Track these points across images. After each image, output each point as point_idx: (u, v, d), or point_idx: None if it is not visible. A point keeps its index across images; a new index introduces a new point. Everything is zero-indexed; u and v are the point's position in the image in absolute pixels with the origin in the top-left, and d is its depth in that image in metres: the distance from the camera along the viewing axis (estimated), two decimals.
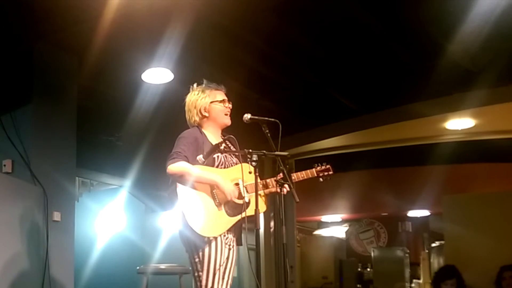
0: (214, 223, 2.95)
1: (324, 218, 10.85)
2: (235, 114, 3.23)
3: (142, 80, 5.06)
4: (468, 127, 6.22)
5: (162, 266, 4.71)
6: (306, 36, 4.54)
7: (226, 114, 3.22)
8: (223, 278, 2.97)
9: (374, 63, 5.02)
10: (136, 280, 4.93)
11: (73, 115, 4.65)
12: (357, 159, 7.58)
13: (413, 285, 9.25)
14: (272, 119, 2.97)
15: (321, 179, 3.23)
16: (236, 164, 3.10)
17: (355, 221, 11.25)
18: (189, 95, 3.26)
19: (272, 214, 6.65)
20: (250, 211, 2.95)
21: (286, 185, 2.99)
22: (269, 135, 2.94)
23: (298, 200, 2.85)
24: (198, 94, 3.22)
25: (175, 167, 2.94)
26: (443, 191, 8.01)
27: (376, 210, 10.11)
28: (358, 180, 8.95)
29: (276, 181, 3.00)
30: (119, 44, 4.39)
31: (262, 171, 2.95)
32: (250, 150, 2.92)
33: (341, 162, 7.22)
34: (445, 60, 4.75)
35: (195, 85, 3.28)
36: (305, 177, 3.20)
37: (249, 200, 2.99)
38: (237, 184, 3.04)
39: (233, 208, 3.01)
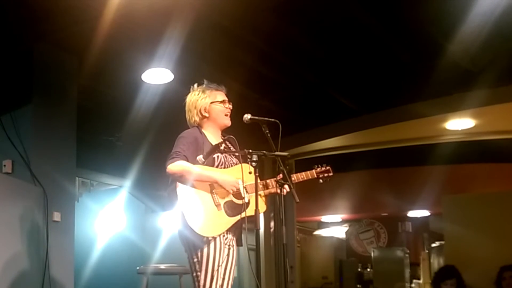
0: (213, 223, 2.95)
1: (324, 218, 10.85)
2: (235, 114, 3.23)
3: (142, 80, 5.06)
4: (468, 127, 6.22)
5: (162, 266, 4.71)
6: (306, 36, 4.54)
7: (226, 115, 3.22)
8: (223, 279, 2.96)
9: (374, 63, 5.02)
10: (136, 280, 4.93)
11: (73, 115, 4.65)
12: (357, 159, 7.58)
13: (413, 285, 9.25)
14: (272, 119, 2.97)
15: (321, 181, 3.23)
16: (236, 164, 3.10)
17: (355, 221, 11.25)
18: (189, 95, 3.26)
19: (272, 214, 6.65)
20: (250, 211, 2.95)
21: (286, 186, 2.99)
22: (269, 135, 2.93)
23: (298, 200, 2.85)
24: (198, 94, 3.22)
25: (175, 166, 2.94)
26: (443, 191, 8.01)
27: (376, 210, 10.11)
28: (358, 180, 8.95)
29: (276, 181, 2.99)
30: (119, 44, 4.39)
31: (262, 172, 2.95)
32: (250, 151, 2.92)
33: (341, 162, 7.23)
34: (445, 60, 4.75)
35: (195, 85, 3.28)
36: (305, 178, 3.20)
37: (249, 200, 2.99)
38: (238, 177, 3.04)
39: (233, 208, 3.01)
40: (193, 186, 2.95)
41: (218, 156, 3.08)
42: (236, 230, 3.09)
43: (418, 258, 9.50)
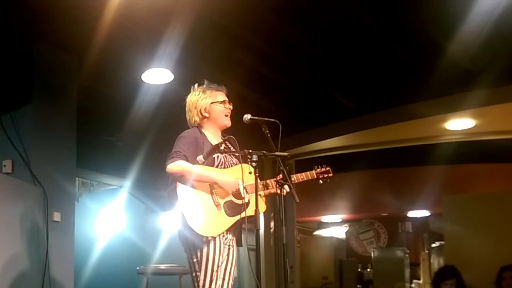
0: (213, 222, 2.95)
1: (324, 218, 10.85)
2: (235, 114, 3.23)
3: (142, 80, 5.06)
4: (468, 127, 6.22)
5: (162, 266, 4.71)
6: (306, 36, 4.54)
7: (226, 115, 3.22)
8: (223, 279, 2.96)
9: (374, 63, 5.02)
10: (136, 280, 4.93)
11: (73, 115, 4.65)
12: (357, 159, 7.58)
13: (413, 285, 9.25)
14: (272, 120, 2.97)
15: (320, 181, 3.23)
16: (236, 164, 3.10)
17: (355, 222, 11.25)
18: (189, 95, 3.26)
19: (272, 214, 6.65)
20: (250, 212, 2.95)
21: (286, 186, 2.99)
22: (269, 135, 2.93)
23: (298, 200, 2.85)
24: (198, 94, 3.22)
25: (175, 166, 2.94)
26: (443, 191, 8.01)
27: (376, 210, 10.11)
28: (358, 180, 8.95)
29: (276, 181, 2.99)
30: (119, 44, 4.39)
31: (262, 172, 2.95)
32: (250, 151, 2.92)
33: (341, 163, 7.23)
34: (445, 60, 4.75)
35: (196, 85, 3.28)
36: (305, 179, 3.21)
37: (249, 200, 2.99)
38: (237, 178, 3.03)
39: (233, 208, 3.01)
40: (193, 186, 2.95)
41: (218, 156, 3.08)
42: (236, 230, 3.09)
43: (418, 258, 9.50)
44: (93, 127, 5.93)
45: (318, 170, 3.23)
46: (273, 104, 5.77)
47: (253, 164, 2.86)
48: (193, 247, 2.97)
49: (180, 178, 2.94)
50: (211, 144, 3.08)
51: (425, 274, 8.75)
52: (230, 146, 3.16)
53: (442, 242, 7.75)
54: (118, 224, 7.94)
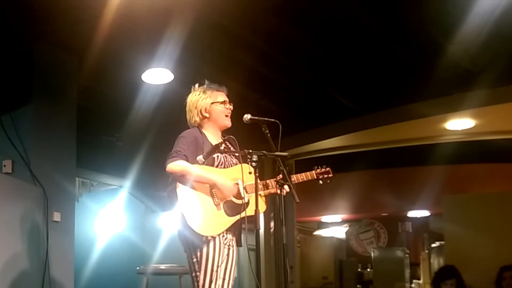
0: (213, 222, 2.95)
1: (324, 218, 10.85)
2: (235, 114, 3.23)
3: (142, 80, 5.06)
4: (468, 127, 6.22)
5: (162, 266, 4.72)
6: (306, 36, 4.54)
7: (226, 116, 3.22)
8: (223, 279, 2.96)
9: (374, 63, 5.02)
10: (136, 280, 4.94)
11: (73, 115, 4.65)
12: (357, 159, 7.58)
13: (413, 285, 9.25)
14: (272, 120, 2.97)
15: (320, 182, 3.24)
16: (236, 164, 3.10)
17: (355, 222, 11.25)
18: (190, 95, 3.26)
19: (272, 214, 6.65)
20: (250, 211, 2.95)
21: (286, 186, 2.99)
22: (269, 135, 2.93)
23: (298, 200, 2.85)
24: (199, 94, 3.22)
25: (175, 165, 2.94)
26: (443, 191, 8.01)
27: (376, 210, 10.10)
28: (358, 180, 8.95)
29: (276, 181, 2.99)
30: (119, 44, 4.39)
31: (262, 172, 2.95)
32: (250, 151, 2.92)
33: (341, 163, 7.23)
34: (445, 60, 4.75)
35: (196, 85, 3.28)
36: (305, 179, 3.21)
37: (249, 200, 2.99)
38: (236, 184, 3.04)
39: (232, 208, 3.01)
40: (192, 186, 2.95)
41: (218, 156, 3.08)
42: (236, 230, 3.09)
43: (418, 258, 9.50)
44: (93, 127, 5.93)
45: (318, 170, 3.23)
46: (273, 104, 5.77)
47: (253, 164, 2.86)
48: (192, 247, 2.97)
49: (180, 177, 2.94)
50: (211, 144, 3.08)
51: (425, 274, 8.75)
52: (230, 146, 3.16)
53: (442, 242, 7.74)
54: (118, 224, 7.94)
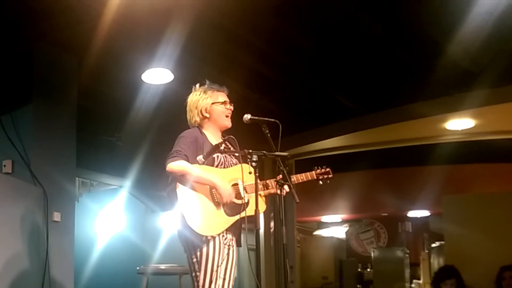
0: (212, 222, 2.95)
1: (324, 218, 10.85)
2: (235, 115, 3.23)
3: (142, 80, 5.06)
4: (468, 127, 6.22)
5: (162, 266, 4.71)
6: (306, 36, 4.54)
7: (227, 116, 3.22)
8: (223, 279, 2.96)
9: (374, 63, 5.02)
10: (136, 280, 4.93)
11: (73, 115, 4.65)
12: (357, 159, 7.58)
13: (413, 285, 9.25)
14: (272, 119, 2.97)
15: (320, 182, 3.24)
16: (236, 164, 3.10)
17: (355, 222, 11.26)
18: (191, 95, 3.26)
19: (272, 214, 6.65)
20: (249, 211, 2.95)
21: (286, 186, 2.99)
22: (269, 135, 2.93)
23: (298, 200, 2.85)
24: (200, 94, 3.22)
25: (175, 165, 2.94)
26: (443, 191, 8.01)
27: (376, 210, 10.11)
28: (358, 180, 8.95)
29: (276, 181, 2.99)
30: (119, 44, 4.39)
31: (262, 172, 2.95)
32: (250, 151, 2.92)
33: (342, 162, 7.23)
34: (445, 60, 4.75)
35: (197, 85, 3.28)
36: (305, 179, 3.21)
37: (248, 200, 2.99)
38: (236, 184, 3.04)
39: (232, 208, 3.01)
40: (192, 185, 2.95)
41: (218, 156, 3.08)
42: (236, 230, 3.09)
43: (418, 258, 9.50)
44: (93, 127, 5.93)
45: (318, 171, 3.24)
46: (273, 104, 5.77)
47: (253, 164, 2.86)
48: (192, 246, 2.97)
49: (180, 177, 2.95)
50: (211, 144, 3.08)
51: (425, 274, 8.75)
52: (230, 146, 3.16)
53: (442, 242, 7.74)
54: (118, 224, 7.94)
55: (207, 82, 3.27)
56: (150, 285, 4.61)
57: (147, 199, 7.78)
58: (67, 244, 4.40)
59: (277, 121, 2.94)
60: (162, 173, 3.02)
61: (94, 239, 7.74)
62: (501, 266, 5.93)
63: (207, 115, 3.19)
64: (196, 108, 3.20)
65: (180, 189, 2.94)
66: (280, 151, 2.92)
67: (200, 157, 2.96)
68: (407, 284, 9.26)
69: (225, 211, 2.99)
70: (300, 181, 3.19)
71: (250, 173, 2.91)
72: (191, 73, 4.64)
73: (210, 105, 3.19)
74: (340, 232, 11.24)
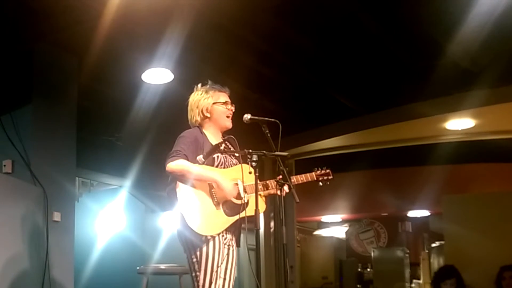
0: (212, 222, 2.95)
1: (324, 218, 10.85)
2: (235, 115, 3.23)
3: (142, 80, 5.06)
4: (468, 127, 6.22)
5: (162, 266, 4.71)
6: (306, 36, 4.54)
7: (228, 116, 3.22)
8: (223, 279, 2.96)
9: (374, 63, 5.02)
10: (136, 280, 4.93)
11: (73, 115, 4.65)
12: (357, 159, 7.58)
13: (413, 285, 9.25)
14: (272, 119, 2.97)
15: (320, 183, 3.24)
16: (236, 164, 3.10)
17: (355, 221, 11.25)
18: (192, 94, 3.26)
19: (272, 214, 6.65)
20: (249, 211, 2.95)
21: (285, 186, 2.99)
22: (269, 135, 2.93)
23: (298, 200, 2.85)
24: (201, 94, 3.22)
25: (175, 165, 2.94)
26: (443, 191, 8.01)
27: (376, 210, 10.11)
28: (358, 180, 8.95)
29: (276, 181, 2.99)
30: (119, 44, 4.39)
31: (262, 172, 2.95)
32: (250, 151, 2.92)
33: (341, 162, 7.23)
34: (445, 60, 4.75)
35: (199, 85, 3.28)
36: (305, 181, 3.21)
37: (248, 200, 2.99)
38: (236, 184, 3.04)
39: (232, 208, 3.01)
40: (192, 185, 2.96)
41: (218, 156, 3.08)
42: (235, 230, 3.09)
43: (418, 258, 9.50)
44: (93, 127, 5.93)
45: (318, 172, 3.24)
46: (273, 104, 5.77)
47: (253, 164, 2.86)
48: (192, 246, 2.97)
49: (180, 177, 2.95)
50: (211, 144, 3.08)
51: (425, 274, 8.75)
52: (230, 146, 3.16)
53: (442, 242, 7.74)
54: (118, 224, 7.93)
55: (209, 82, 3.28)
56: (150, 285, 4.61)
57: (147, 199, 7.78)
58: (67, 244, 4.40)
59: (277, 121, 2.94)
60: (162, 173, 3.02)
61: (94, 239, 7.74)
62: (501, 266, 5.93)
63: (208, 115, 3.19)
64: (197, 107, 3.21)
65: (180, 189, 2.94)
66: (280, 151, 2.92)
67: (200, 157, 2.96)
68: (407, 284, 9.26)
69: (224, 211, 2.99)
70: (300, 182, 3.19)
71: (250, 173, 2.91)
72: (191, 73, 4.64)
73: (211, 105, 3.19)
74: (340, 232, 11.23)
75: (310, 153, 6.99)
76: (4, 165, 4.24)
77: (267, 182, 3.09)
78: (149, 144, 6.20)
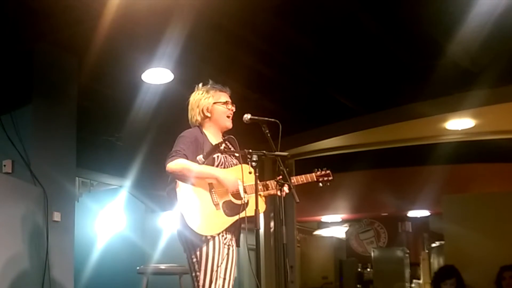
0: (212, 222, 2.95)
1: (324, 218, 10.85)
2: (235, 114, 3.23)
3: (142, 80, 5.06)
4: (468, 127, 6.22)
5: (162, 266, 4.71)
6: (306, 36, 4.54)
7: (228, 116, 3.22)
8: (223, 279, 2.96)
9: (374, 63, 5.02)
10: (136, 280, 4.93)
11: (73, 115, 4.65)
12: (357, 159, 7.58)
13: (413, 285, 9.25)
14: (272, 119, 2.97)
15: (320, 184, 3.25)
16: (236, 164, 3.10)
17: (355, 221, 11.25)
18: (193, 94, 3.26)
19: (272, 214, 6.65)
20: (250, 212, 2.95)
21: (285, 187, 2.99)
22: (269, 135, 2.94)
23: (298, 200, 2.85)
24: (202, 94, 3.22)
25: (174, 164, 2.94)
26: (443, 191, 8.01)
27: (376, 210, 10.11)
28: (358, 180, 8.95)
29: (277, 181, 3.00)
30: (119, 44, 4.39)
31: (262, 172, 2.95)
32: (250, 150, 2.92)
33: (341, 162, 7.23)
34: (445, 60, 4.75)
35: (200, 84, 3.28)
36: (305, 181, 3.22)
37: (248, 201, 2.99)
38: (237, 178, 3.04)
39: (231, 208, 3.01)
40: (192, 185, 2.95)
41: (218, 156, 3.08)
42: (235, 230, 3.09)
43: (418, 258, 9.50)
44: (93, 127, 5.93)
45: (318, 173, 3.24)
46: (273, 104, 5.77)
47: (253, 164, 2.86)
48: (192, 246, 2.97)
49: (180, 176, 2.95)
50: (212, 144, 3.08)
51: (425, 274, 8.75)
52: (230, 146, 3.17)
53: (442, 242, 7.74)
54: (118, 224, 7.93)
55: (210, 81, 3.28)
56: (150, 285, 4.62)
57: (147, 199, 7.78)
58: (67, 244, 4.40)
59: (277, 121, 2.94)
60: (162, 173, 3.02)
61: (94, 239, 7.74)
62: (501, 266, 5.93)
63: (208, 115, 3.19)
64: (197, 107, 3.21)
65: (180, 188, 2.94)
66: (280, 151, 2.92)
67: (200, 157, 2.96)
68: (407, 284, 9.26)
69: (224, 211, 2.99)
70: (300, 182, 3.19)
71: (250, 173, 2.91)
72: (191, 73, 4.64)
73: (212, 104, 3.19)
74: (340, 232, 11.23)
75: (310, 153, 6.99)
76: (4, 165, 4.24)
77: (267, 182, 3.09)
78: (149, 144, 6.20)
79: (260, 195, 2.94)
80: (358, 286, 9.93)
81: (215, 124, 3.21)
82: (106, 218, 8.00)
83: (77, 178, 6.80)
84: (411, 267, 9.58)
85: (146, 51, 4.53)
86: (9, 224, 3.92)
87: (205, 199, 2.97)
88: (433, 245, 8.70)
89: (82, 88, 4.79)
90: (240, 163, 3.01)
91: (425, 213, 9.98)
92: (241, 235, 3.14)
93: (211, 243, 2.94)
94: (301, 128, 6.45)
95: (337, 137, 6.57)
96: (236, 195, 3.03)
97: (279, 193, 2.97)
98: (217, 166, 3.07)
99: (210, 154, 3.00)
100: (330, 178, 3.25)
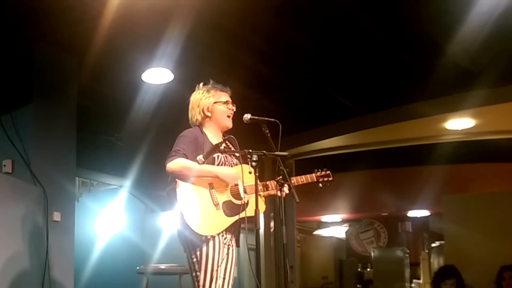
0: (211, 222, 2.95)
1: (324, 218, 10.85)
2: (236, 114, 3.24)
3: (142, 80, 5.06)
4: (468, 127, 6.22)
5: (162, 266, 4.72)
6: (306, 36, 4.54)
7: (228, 116, 3.22)
8: (223, 278, 2.96)
9: (374, 63, 5.02)
10: (136, 280, 4.93)
11: (73, 115, 4.65)
12: (357, 159, 7.58)
13: (413, 285, 9.25)
14: (272, 119, 2.97)
15: (320, 185, 3.25)
16: (236, 164, 3.11)
17: (355, 221, 11.26)
18: (194, 93, 3.26)
19: (272, 214, 6.65)
20: (249, 212, 2.95)
21: (285, 186, 2.99)
22: (269, 135, 2.94)
23: (298, 200, 2.85)
24: (202, 93, 3.22)
25: (174, 164, 2.94)
26: (443, 191, 8.01)
27: (376, 210, 10.11)
28: (358, 180, 8.95)
29: (277, 181, 3.00)
30: (119, 44, 4.39)
31: (262, 172, 2.95)
32: (250, 150, 2.92)
33: (341, 162, 7.23)
34: (445, 60, 4.75)
35: (201, 84, 3.28)
36: (305, 182, 3.22)
37: (248, 200, 2.99)
38: (236, 185, 3.04)
39: (231, 208, 3.01)
40: (192, 185, 2.95)
41: (218, 156, 3.08)
42: (235, 230, 3.09)
43: (418, 258, 9.50)
44: (93, 127, 5.93)
45: (318, 173, 3.24)
46: (273, 104, 5.77)
47: (253, 164, 2.86)
48: (192, 246, 2.97)
49: (180, 176, 2.95)
50: (212, 144, 3.09)
51: (425, 274, 8.75)
52: (230, 145, 3.17)
53: (442, 242, 7.74)
54: (118, 224, 7.94)
55: (211, 81, 3.28)
56: (150, 285, 4.62)
57: (147, 199, 7.78)
58: (67, 244, 4.40)
59: (277, 121, 2.94)
60: (162, 173, 3.02)
61: (94, 239, 7.74)
62: (501, 266, 5.93)
63: (209, 114, 3.19)
64: (198, 106, 3.21)
65: (180, 188, 2.94)
66: (280, 151, 2.92)
67: (200, 157, 2.96)
68: (407, 284, 9.26)
69: (224, 211, 2.99)
70: (300, 183, 3.19)
71: (250, 173, 2.91)
72: (191, 73, 4.64)
73: (212, 104, 3.19)
74: (340, 232, 11.24)
75: (310, 153, 6.99)
76: (4, 165, 4.24)
77: (267, 182, 3.09)
78: (149, 144, 6.20)
79: (260, 195, 2.94)
80: (358, 286, 9.93)
81: (216, 123, 3.21)
82: (106, 218, 8.00)
83: (77, 178, 6.80)
84: (411, 267, 9.59)
85: (146, 51, 4.53)
86: (9, 224, 3.92)
87: (205, 199, 2.97)
88: (433, 245, 8.70)
89: (82, 88, 4.79)
90: (240, 163, 3.01)
91: (425, 213, 9.98)
92: (241, 235, 3.15)
93: (211, 243, 2.94)
94: (301, 128, 6.45)
95: (337, 137, 6.57)
96: (236, 195, 3.03)
97: (279, 193, 2.97)
98: (217, 165, 3.06)
99: (210, 154, 3.00)
100: (330, 178, 3.25)
